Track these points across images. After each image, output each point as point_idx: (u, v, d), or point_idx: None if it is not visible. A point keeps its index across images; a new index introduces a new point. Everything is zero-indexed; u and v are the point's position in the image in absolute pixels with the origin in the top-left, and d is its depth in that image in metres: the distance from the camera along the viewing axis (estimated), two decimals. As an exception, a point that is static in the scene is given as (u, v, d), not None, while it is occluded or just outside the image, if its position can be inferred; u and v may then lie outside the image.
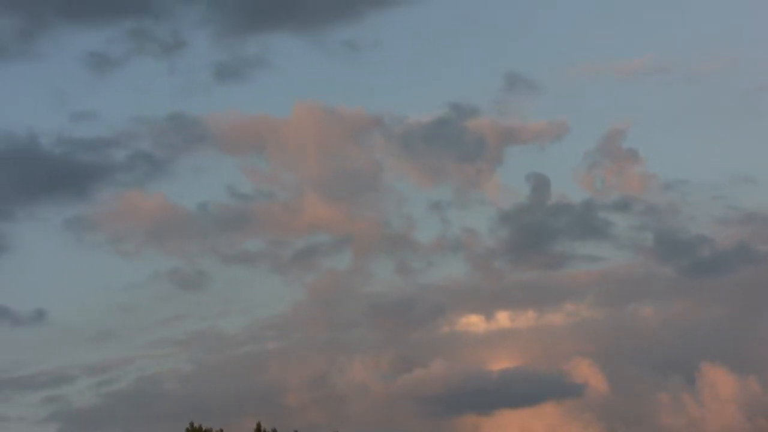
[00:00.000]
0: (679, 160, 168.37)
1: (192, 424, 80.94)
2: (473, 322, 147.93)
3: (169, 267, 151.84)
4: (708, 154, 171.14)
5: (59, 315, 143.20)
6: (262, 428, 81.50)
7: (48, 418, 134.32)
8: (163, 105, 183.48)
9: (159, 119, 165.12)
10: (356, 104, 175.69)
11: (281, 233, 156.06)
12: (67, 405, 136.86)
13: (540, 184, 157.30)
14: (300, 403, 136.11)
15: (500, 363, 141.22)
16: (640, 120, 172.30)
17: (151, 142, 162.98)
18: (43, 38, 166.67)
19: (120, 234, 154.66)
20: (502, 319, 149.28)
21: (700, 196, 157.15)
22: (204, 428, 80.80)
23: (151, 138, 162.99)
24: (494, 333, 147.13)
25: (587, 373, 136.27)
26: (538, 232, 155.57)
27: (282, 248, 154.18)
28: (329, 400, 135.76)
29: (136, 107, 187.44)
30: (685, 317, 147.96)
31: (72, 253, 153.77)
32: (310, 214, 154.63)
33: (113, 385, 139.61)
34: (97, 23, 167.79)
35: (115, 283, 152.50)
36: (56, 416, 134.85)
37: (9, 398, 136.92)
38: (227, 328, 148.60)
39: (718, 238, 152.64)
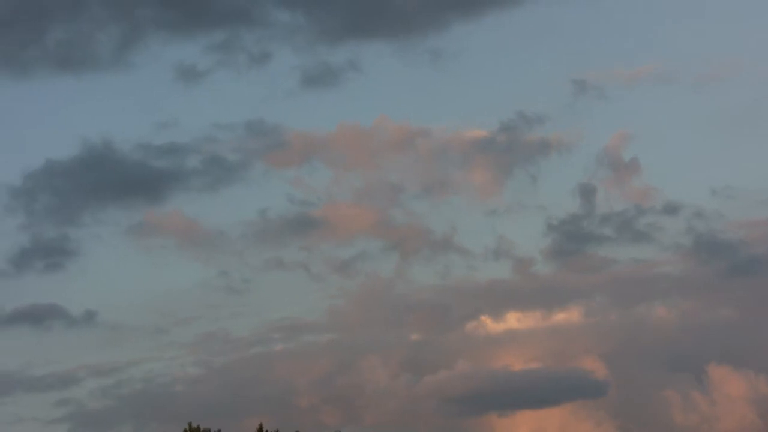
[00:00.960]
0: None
1: (190, 425, 79.57)
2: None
3: (220, 272, 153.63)
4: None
5: (110, 317, 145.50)
6: (264, 429, 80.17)
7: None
8: (244, 113, 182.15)
9: (237, 126, 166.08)
10: (436, 113, 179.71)
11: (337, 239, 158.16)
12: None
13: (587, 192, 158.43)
14: (313, 403, 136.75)
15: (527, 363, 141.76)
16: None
17: (225, 148, 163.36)
18: (138, 50, 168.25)
19: (180, 240, 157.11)
20: (526, 318, 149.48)
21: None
22: (202, 428, 79.49)
23: (226, 144, 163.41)
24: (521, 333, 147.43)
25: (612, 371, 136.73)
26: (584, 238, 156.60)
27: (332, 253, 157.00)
28: (349, 399, 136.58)
29: (217, 115, 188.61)
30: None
31: (134, 256, 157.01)
32: (363, 221, 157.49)
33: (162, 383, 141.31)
34: (190, 34, 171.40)
35: (173, 287, 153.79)
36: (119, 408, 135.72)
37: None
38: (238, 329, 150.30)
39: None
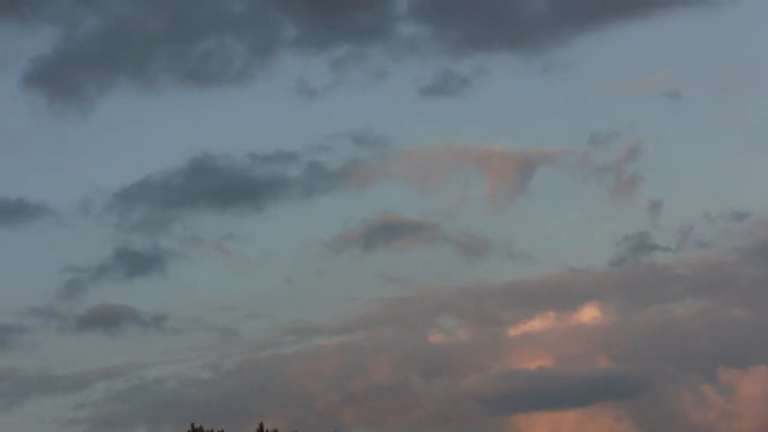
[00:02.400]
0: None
1: (193, 425, 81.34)
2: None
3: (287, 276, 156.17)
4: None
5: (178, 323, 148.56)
6: (265, 428, 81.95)
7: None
8: (357, 125, 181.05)
9: (344, 136, 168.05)
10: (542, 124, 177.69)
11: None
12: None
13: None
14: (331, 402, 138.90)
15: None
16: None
17: (331, 157, 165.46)
18: (264, 65, 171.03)
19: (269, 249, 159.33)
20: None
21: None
22: (205, 429, 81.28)
23: (335, 154, 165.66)
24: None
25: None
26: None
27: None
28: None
29: (329, 127, 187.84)
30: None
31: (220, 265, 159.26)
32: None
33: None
34: (316, 49, 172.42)
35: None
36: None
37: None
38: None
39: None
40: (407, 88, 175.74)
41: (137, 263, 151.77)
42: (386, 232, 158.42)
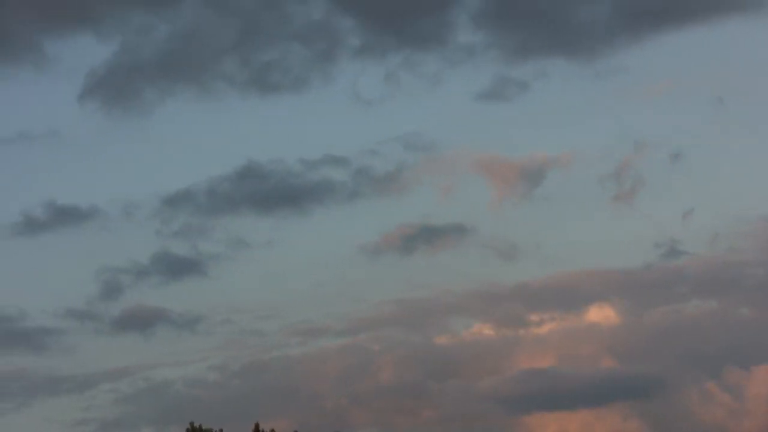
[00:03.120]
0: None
1: (192, 424, 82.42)
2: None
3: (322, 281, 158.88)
4: None
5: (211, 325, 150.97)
6: (261, 428, 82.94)
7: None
8: (409, 128, 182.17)
9: (391, 140, 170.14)
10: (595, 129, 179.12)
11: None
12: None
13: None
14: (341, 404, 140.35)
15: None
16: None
17: (380, 162, 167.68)
18: (322, 72, 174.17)
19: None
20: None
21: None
22: (204, 428, 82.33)
23: (384, 159, 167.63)
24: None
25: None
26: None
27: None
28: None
29: (382, 131, 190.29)
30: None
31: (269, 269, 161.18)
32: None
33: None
34: (375, 57, 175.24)
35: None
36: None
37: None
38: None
39: None
40: (461, 94, 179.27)
41: (177, 266, 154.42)
42: (423, 236, 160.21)
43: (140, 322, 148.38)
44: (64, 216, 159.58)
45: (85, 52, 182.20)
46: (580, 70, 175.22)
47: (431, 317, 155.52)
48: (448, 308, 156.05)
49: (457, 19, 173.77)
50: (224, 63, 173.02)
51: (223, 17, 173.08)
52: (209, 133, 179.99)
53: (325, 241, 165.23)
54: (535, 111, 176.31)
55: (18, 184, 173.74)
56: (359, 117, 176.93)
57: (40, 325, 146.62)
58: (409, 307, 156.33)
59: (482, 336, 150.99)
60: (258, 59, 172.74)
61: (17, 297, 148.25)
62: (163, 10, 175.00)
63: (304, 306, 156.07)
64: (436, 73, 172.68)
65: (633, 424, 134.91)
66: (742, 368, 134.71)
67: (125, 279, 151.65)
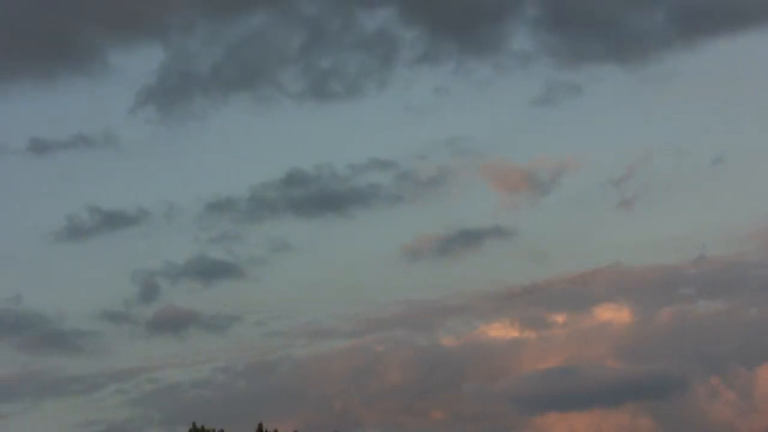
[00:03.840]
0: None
1: (194, 424, 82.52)
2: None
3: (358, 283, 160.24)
4: None
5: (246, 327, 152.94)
6: (264, 428, 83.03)
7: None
8: (457, 133, 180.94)
9: (442, 145, 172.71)
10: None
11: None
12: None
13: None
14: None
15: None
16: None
17: (426, 166, 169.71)
18: (378, 79, 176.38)
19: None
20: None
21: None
22: (206, 428, 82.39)
23: (430, 163, 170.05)
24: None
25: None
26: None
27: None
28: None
29: (431, 136, 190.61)
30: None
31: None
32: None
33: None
34: (431, 63, 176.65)
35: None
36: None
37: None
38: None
39: None
40: (512, 100, 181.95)
41: (214, 270, 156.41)
42: (460, 239, 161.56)
43: (173, 324, 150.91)
44: (109, 220, 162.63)
45: (146, 59, 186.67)
46: (631, 75, 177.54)
47: (438, 317, 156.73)
48: (458, 309, 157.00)
49: (511, 27, 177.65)
50: (283, 71, 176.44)
51: (289, 26, 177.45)
52: (259, 140, 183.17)
53: (366, 244, 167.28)
54: (585, 116, 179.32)
55: (67, 189, 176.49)
56: (408, 122, 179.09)
57: (75, 327, 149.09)
58: (416, 307, 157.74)
59: (497, 336, 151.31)
60: (317, 67, 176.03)
61: (56, 299, 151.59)
62: (230, 20, 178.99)
63: (340, 307, 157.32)
64: (488, 79, 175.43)
65: (644, 424, 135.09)
66: (752, 367, 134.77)
67: (162, 282, 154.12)
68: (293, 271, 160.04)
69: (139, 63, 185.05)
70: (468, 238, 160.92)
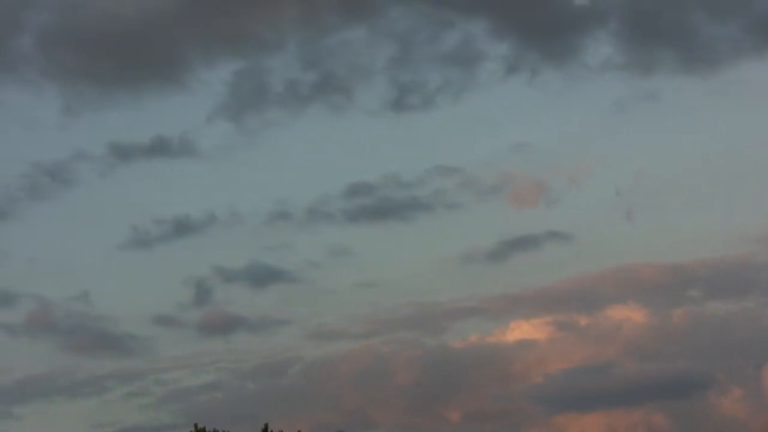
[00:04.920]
0: None
1: (196, 426, 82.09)
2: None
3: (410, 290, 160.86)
4: None
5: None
6: (270, 429, 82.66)
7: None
8: (526, 140, 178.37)
9: (508, 152, 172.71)
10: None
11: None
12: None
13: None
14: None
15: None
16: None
17: (489, 173, 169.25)
18: (455, 91, 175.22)
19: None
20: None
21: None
22: (208, 430, 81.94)
23: (494, 171, 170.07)
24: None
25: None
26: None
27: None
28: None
29: (499, 144, 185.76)
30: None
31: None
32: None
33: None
34: (505, 74, 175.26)
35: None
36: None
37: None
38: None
39: None
40: (582, 109, 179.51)
41: (269, 275, 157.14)
42: (517, 245, 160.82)
43: (221, 328, 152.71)
44: (174, 227, 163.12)
45: (227, 69, 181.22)
46: (702, 85, 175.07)
47: (449, 319, 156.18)
48: (473, 310, 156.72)
49: (583, 36, 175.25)
50: (364, 84, 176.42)
51: (375, 40, 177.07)
52: (328, 151, 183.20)
53: (421, 254, 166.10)
54: (656, 125, 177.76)
55: (138, 195, 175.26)
56: (479, 132, 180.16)
57: (128, 331, 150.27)
58: (427, 309, 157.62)
59: (515, 337, 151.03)
60: (398, 80, 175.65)
61: (113, 304, 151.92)
62: (318, 34, 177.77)
63: (391, 314, 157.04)
64: (561, 90, 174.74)
65: (659, 423, 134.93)
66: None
67: (216, 287, 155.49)
68: (347, 276, 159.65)
69: (221, 73, 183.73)
70: (520, 246, 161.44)
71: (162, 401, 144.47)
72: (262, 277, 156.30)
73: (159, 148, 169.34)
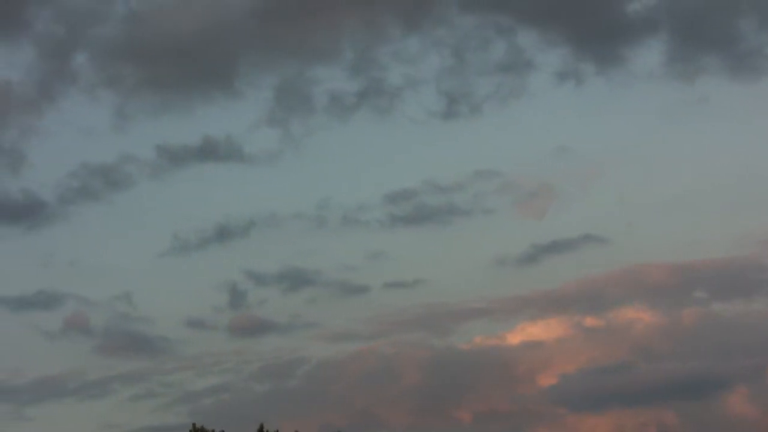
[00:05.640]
0: None
1: (194, 425, 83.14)
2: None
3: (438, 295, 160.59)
4: None
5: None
6: (265, 429, 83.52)
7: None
8: (564, 144, 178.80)
9: (547, 157, 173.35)
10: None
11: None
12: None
13: None
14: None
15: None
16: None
17: (528, 179, 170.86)
18: (500, 98, 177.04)
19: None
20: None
21: None
22: (208, 429, 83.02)
23: (534, 176, 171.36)
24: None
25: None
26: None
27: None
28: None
29: (538, 149, 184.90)
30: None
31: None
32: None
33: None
34: (550, 81, 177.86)
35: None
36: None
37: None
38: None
39: None
40: (626, 115, 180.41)
41: (301, 279, 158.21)
42: (549, 250, 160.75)
43: (251, 332, 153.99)
44: (213, 234, 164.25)
45: (277, 74, 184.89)
46: (744, 90, 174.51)
47: (458, 320, 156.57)
48: (483, 311, 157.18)
49: (625, 42, 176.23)
50: (413, 92, 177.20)
51: (429, 47, 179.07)
52: (371, 158, 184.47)
53: (455, 259, 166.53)
54: (699, 131, 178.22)
55: (184, 198, 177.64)
56: (523, 137, 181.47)
57: (161, 334, 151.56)
58: (436, 310, 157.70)
59: (524, 338, 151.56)
60: (445, 89, 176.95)
61: (150, 307, 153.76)
62: (380, 42, 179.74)
63: (421, 319, 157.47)
64: (608, 97, 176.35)
65: (669, 423, 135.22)
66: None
67: (250, 292, 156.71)
68: (381, 279, 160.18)
69: (270, 78, 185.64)
70: (553, 251, 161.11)
71: (171, 403, 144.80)
72: (294, 281, 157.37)
73: (207, 151, 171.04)
